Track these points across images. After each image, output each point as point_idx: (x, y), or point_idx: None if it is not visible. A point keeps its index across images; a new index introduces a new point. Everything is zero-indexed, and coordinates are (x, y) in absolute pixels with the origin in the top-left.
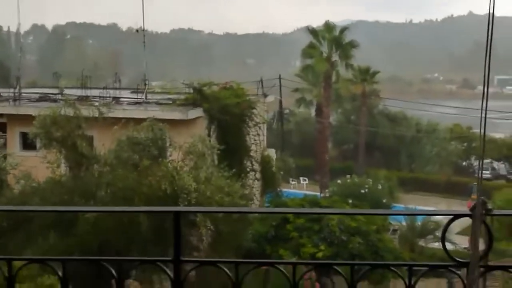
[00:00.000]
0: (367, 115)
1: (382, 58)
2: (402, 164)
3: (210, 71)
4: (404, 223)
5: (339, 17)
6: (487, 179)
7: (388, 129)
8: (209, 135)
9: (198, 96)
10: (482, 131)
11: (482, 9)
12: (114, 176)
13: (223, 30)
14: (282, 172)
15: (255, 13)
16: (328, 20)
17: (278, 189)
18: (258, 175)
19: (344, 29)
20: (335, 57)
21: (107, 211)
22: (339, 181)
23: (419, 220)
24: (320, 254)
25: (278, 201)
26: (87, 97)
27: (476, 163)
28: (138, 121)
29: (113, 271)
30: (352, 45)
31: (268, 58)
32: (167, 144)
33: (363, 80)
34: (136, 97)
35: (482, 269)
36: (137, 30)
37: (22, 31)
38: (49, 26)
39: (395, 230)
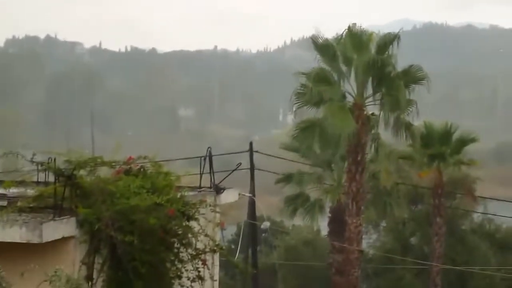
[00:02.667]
0: (447, 236)
1: (479, 103)
2: None
3: (100, 131)
4: None
5: (379, 16)
6: None
7: (495, 266)
8: (91, 280)
9: (68, 190)
10: None
11: None
12: None
13: (127, 42)
14: None
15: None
16: (355, 24)
17: None
18: None
19: (391, 39)
20: (371, 105)
21: None
22: None
23: None
24: None
25: None
26: None
27: None
28: None
29: None
30: (412, 76)
31: (224, 106)
32: None
33: (438, 157)
34: None
35: None
36: None
37: None
38: None
39: None
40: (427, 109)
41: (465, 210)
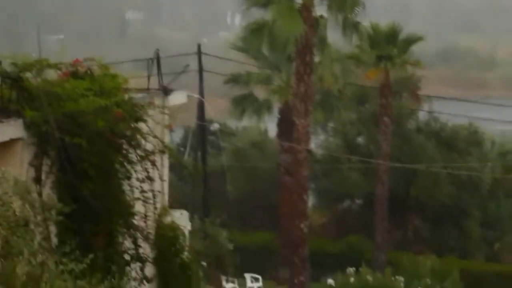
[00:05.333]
0: (393, 135)
1: (427, 10)
2: (473, 243)
3: (48, 35)
4: None
5: None
6: None
7: (441, 164)
8: (39, 181)
9: (15, 93)
10: None
11: None
12: None
13: None
14: (204, 263)
15: None
16: None
17: None
18: (150, 270)
19: None
20: (320, 8)
21: None
22: (331, 280)
23: None
24: None
25: None
26: None
27: None
28: None
29: None
30: None
31: (172, 8)
32: None
33: (384, 57)
34: None
35: None
36: None
37: None
38: None
39: None
40: (375, 11)
41: (411, 109)
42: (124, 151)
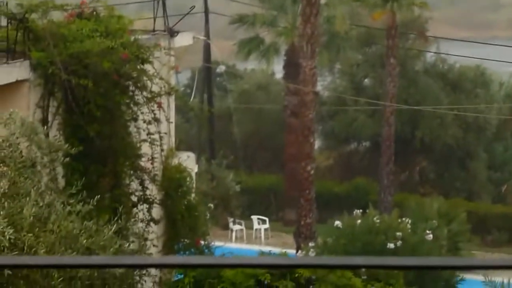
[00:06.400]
0: (400, 77)
1: None
2: (479, 185)
3: None
4: None
5: None
6: None
7: (447, 107)
8: (45, 123)
9: (21, 34)
10: None
11: None
12: None
13: None
14: (211, 205)
15: None
16: None
17: (204, 241)
18: (157, 211)
19: None
20: None
21: None
22: (338, 222)
23: None
24: None
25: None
26: None
27: None
28: None
29: None
30: None
31: None
32: None
33: None
34: None
35: None
36: None
37: None
38: None
39: None
40: None
41: (418, 50)
42: (130, 93)
